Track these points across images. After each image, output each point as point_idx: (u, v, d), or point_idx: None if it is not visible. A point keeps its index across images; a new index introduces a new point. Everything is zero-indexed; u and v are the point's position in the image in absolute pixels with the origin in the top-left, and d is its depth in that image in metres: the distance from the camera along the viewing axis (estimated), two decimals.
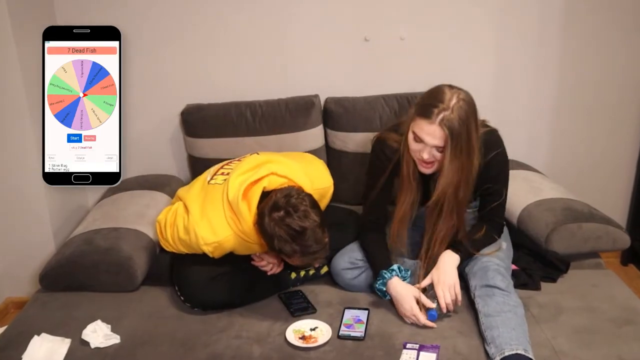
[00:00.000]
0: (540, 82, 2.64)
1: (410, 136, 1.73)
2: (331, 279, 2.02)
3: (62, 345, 1.68)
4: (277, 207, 1.71)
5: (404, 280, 1.84)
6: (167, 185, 2.47)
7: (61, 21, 2.42)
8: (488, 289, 1.75)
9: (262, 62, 2.53)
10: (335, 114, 2.46)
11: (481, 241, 1.89)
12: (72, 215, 2.49)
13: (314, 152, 2.44)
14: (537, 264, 2.03)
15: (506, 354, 1.57)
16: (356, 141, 2.44)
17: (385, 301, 1.87)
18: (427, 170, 1.78)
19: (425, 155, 1.72)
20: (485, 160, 1.80)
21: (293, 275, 2.02)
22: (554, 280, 1.98)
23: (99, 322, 1.75)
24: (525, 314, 1.77)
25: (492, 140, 1.83)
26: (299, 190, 1.78)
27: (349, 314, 1.82)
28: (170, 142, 2.62)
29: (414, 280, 1.89)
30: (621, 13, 2.54)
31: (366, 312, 1.83)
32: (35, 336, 1.70)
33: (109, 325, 1.76)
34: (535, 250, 2.07)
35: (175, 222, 1.93)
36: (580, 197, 2.24)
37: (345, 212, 2.27)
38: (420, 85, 2.53)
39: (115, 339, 1.71)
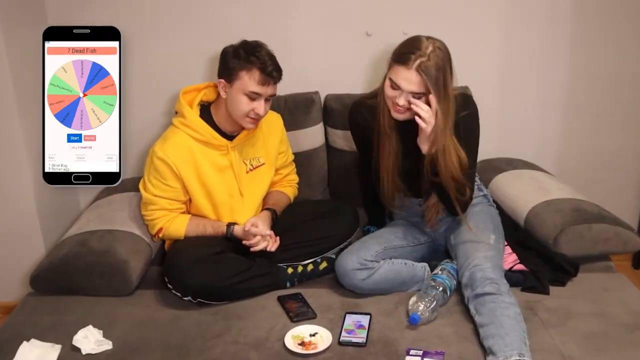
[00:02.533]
0: (549, 78, 2.63)
1: (387, 83, 1.80)
2: (331, 281, 2.01)
3: (52, 351, 1.67)
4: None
5: None
6: None
7: (52, 19, 2.41)
8: (479, 299, 1.75)
9: None
10: (335, 112, 2.45)
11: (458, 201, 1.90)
12: (62, 216, 2.48)
13: (313, 150, 2.44)
14: (545, 267, 2.01)
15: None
16: None
17: (388, 306, 1.87)
18: (399, 115, 1.82)
19: (401, 102, 1.77)
20: (457, 118, 1.82)
21: (290, 270, 2.02)
22: (562, 284, 1.96)
23: (90, 327, 1.74)
24: (534, 318, 1.77)
25: (465, 100, 1.88)
26: None
27: (350, 319, 1.80)
28: None
29: (422, 284, 1.95)
30: (633, 5, 2.52)
31: (368, 317, 1.81)
32: (25, 342, 1.68)
33: (101, 331, 1.74)
34: (543, 253, 2.06)
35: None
36: (590, 198, 2.23)
37: (340, 203, 2.30)
38: None
39: (107, 345, 1.70)
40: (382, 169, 1.95)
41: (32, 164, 2.26)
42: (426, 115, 1.75)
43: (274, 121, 2.21)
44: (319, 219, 2.16)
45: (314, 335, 1.73)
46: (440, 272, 1.92)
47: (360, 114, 2.01)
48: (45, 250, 2.33)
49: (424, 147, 1.82)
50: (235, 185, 2.07)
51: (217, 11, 2.46)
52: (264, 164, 2.16)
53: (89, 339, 1.70)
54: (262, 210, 2.14)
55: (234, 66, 1.92)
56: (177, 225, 2.04)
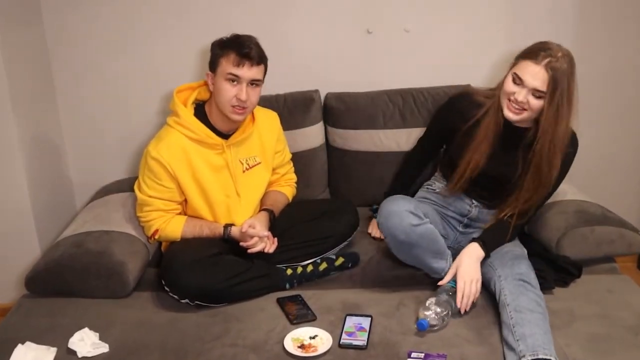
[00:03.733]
0: None
1: (509, 78, 1.82)
2: (332, 282, 2.02)
3: (47, 354, 1.66)
4: None
5: None
6: None
7: (47, 18, 2.41)
8: (520, 283, 1.75)
9: None
10: (336, 111, 2.44)
11: (514, 230, 1.94)
12: (58, 217, 2.48)
13: (313, 150, 2.43)
14: (548, 268, 2.01)
15: (540, 356, 1.57)
16: (358, 139, 2.42)
17: (390, 307, 1.86)
18: (514, 115, 1.83)
19: (520, 97, 1.78)
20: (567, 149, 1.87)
21: (289, 271, 2.02)
22: (566, 284, 1.96)
23: (86, 330, 1.74)
24: None
25: (572, 138, 1.91)
26: None
27: (351, 321, 1.80)
28: None
29: (443, 271, 1.94)
30: (636, 3, 2.52)
31: (369, 319, 1.81)
32: (19, 345, 1.68)
33: (97, 334, 1.74)
34: (546, 256, 2.05)
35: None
36: (594, 199, 2.23)
37: (339, 202, 2.30)
38: (426, 80, 2.54)
39: (104, 348, 1.70)
40: (464, 161, 1.95)
41: (27, 164, 2.26)
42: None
43: (270, 119, 2.21)
44: (318, 218, 2.15)
45: (314, 337, 1.73)
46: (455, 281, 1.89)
47: (462, 103, 2.01)
48: (40, 251, 2.33)
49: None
50: (231, 185, 2.07)
51: (215, 9, 2.45)
52: (260, 163, 2.15)
53: (85, 341, 1.69)
54: (260, 210, 2.14)
55: (215, 55, 1.98)
56: (174, 227, 2.04)
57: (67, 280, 1.94)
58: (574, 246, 2.02)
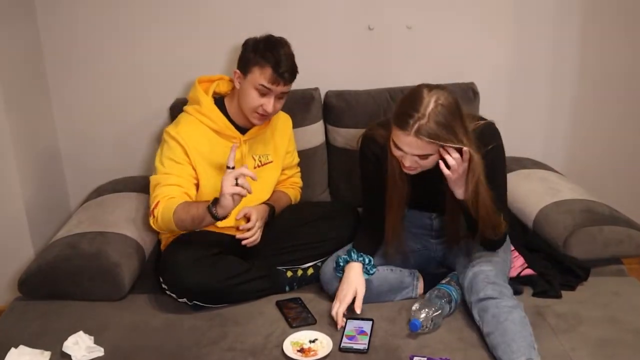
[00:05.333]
0: (560, 74, 2.62)
1: (392, 143, 1.73)
2: None
3: (41, 358, 1.66)
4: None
5: (365, 274, 1.88)
6: None
7: (42, 13, 2.41)
8: (481, 303, 1.75)
9: None
10: (336, 109, 2.44)
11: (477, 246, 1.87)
12: (52, 217, 2.48)
13: (313, 149, 2.43)
14: (554, 271, 2.01)
15: None
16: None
17: (391, 311, 1.87)
18: (411, 172, 1.78)
19: (407, 163, 1.72)
20: (482, 153, 1.76)
21: (289, 274, 2.02)
22: (572, 288, 1.96)
23: (81, 333, 1.74)
24: (542, 324, 1.77)
25: (489, 134, 1.83)
26: None
27: (352, 325, 1.80)
28: (158, 139, 2.61)
29: (413, 291, 1.97)
30: (637, 1, 2.52)
31: (370, 323, 1.81)
32: (12, 348, 1.68)
33: (92, 337, 1.74)
34: (552, 256, 2.06)
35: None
36: (602, 199, 2.23)
37: (340, 204, 2.31)
38: (428, 78, 2.50)
39: (99, 352, 1.70)
40: (389, 210, 1.89)
41: (20, 163, 2.25)
42: (453, 163, 1.66)
43: (284, 120, 2.25)
44: (319, 220, 2.15)
45: (313, 341, 1.73)
46: (447, 282, 1.90)
47: (370, 150, 1.91)
48: (34, 252, 2.33)
49: (459, 192, 1.74)
50: None
51: (214, 5, 2.45)
52: (272, 161, 2.18)
53: (80, 345, 1.69)
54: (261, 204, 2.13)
55: (249, 59, 1.97)
56: (171, 204, 1.92)
57: (61, 282, 1.94)
58: (582, 245, 2.02)
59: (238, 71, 2.01)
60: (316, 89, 2.48)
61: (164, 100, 2.50)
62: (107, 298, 1.95)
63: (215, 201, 1.80)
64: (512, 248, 2.03)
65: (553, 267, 2.02)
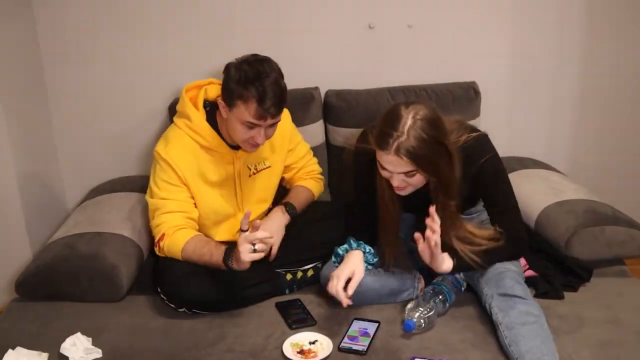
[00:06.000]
0: (561, 73, 2.62)
1: (378, 164, 1.73)
2: None
3: None
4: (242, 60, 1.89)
5: (366, 264, 1.86)
6: None
7: (39, 13, 2.41)
8: (507, 299, 1.74)
9: (256, 51, 2.50)
10: (336, 108, 2.44)
11: (494, 255, 1.83)
12: (49, 217, 2.47)
13: (313, 149, 2.43)
14: (556, 271, 2.01)
15: None
16: None
17: (393, 313, 1.87)
18: (402, 192, 1.78)
19: (395, 183, 1.73)
20: (476, 167, 1.78)
21: (289, 276, 2.01)
22: (575, 289, 1.96)
23: (79, 334, 1.74)
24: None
25: (481, 146, 1.81)
26: None
27: (357, 326, 1.80)
28: (156, 139, 2.60)
29: (414, 292, 1.95)
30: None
31: (376, 325, 1.80)
32: (10, 350, 1.68)
33: (90, 339, 1.74)
34: (554, 256, 2.06)
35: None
36: (604, 199, 2.23)
37: (340, 205, 2.28)
38: (429, 77, 2.54)
39: (97, 354, 1.70)
40: (383, 233, 1.89)
41: (17, 163, 2.25)
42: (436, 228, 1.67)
43: (282, 118, 2.11)
44: (319, 222, 2.14)
45: (313, 343, 1.73)
46: (441, 281, 1.90)
47: (361, 164, 1.89)
48: (31, 252, 2.32)
49: (444, 267, 1.75)
50: (233, 198, 2.06)
51: (214, 5, 2.45)
52: (269, 166, 2.14)
53: (78, 347, 1.69)
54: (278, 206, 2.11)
55: (232, 90, 1.85)
56: (178, 239, 1.91)
57: (58, 283, 1.94)
58: (584, 246, 2.02)
59: (222, 102, 1.91)
60: (316, 88, 2.48)
61: (162, 100, 2.50)
62: (105, 299, 1.95)
63: (230, 252, 1.81)
64: None
65: (555, 268, 2.02)
